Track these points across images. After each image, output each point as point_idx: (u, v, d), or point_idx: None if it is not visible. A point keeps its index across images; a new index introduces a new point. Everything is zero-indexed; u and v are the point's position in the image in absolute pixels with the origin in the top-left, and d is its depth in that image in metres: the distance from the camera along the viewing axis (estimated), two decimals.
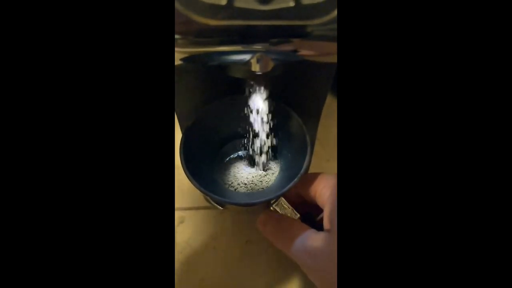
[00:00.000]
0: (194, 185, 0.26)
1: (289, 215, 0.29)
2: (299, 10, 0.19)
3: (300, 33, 0.20)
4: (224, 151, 0.35)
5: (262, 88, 0.26)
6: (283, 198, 0.29)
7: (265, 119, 0.28)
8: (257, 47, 0.20)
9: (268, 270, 0.34)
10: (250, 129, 0.30)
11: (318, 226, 0.26)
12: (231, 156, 0.35)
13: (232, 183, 0.33)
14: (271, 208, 0.30)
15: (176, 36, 0.19)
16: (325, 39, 0.20)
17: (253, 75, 0.23)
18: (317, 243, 0.24)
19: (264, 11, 0.18)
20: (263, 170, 0.34)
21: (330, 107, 0.31)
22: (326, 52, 0.21)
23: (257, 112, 0.28)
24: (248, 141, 0.31)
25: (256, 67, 0.21)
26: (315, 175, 0.28)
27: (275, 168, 0.34)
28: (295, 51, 0.21)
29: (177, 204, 0.37)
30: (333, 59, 0.20)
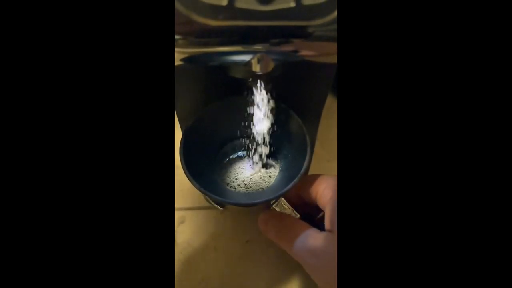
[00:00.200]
0: (194, 185, 0.26)
1: None
2: (300, 11, 0.19)
3: (301, 34, 0.20)
4: (224, 151, 0.35)
5: (263, 88, 0.26)
6: (283, 199, 0.29)
7: (265, 119, 0.28)
8: (258, 47, 0.20)
9: (268, 270, 0.34)
10: (250, 130, 0.30)
11: (318, 226, 0.26)
12: (231, 156, 0.35)
13: (232, 183, 0.33)
14: (271, 208, 0.30)
15: (177, 37, 0.19)
16: (326, 40, 0.20)
17: (253, 76, 0.23)
18: (320, 243, 0.24)
19: (265, 11, 0.18)
20: (263, 170, 0.34)
21: (331, 108, 0.31)
22: (326, 53, 0.21)
23: (257, 112, 0.28)
24: (248, 142, 0.31)
25: (256, 68, 0.22)
26: (316, 177, 0.28)
27: (275, 168, 0.34)
28: (296, 51, 0.21)
29: (177, 204, 0.37)
30: (333, 59, 0.20)
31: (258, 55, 0.21)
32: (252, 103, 0.27)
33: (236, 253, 0.35)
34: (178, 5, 0.18)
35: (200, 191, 0.26)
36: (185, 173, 0.27)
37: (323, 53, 0.21)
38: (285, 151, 0.33)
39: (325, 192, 0.26)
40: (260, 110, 0.27)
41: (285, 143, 0.33)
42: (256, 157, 0.32)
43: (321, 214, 0.29)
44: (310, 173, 0.35)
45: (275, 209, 0.30)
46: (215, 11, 0.18)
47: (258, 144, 0.31)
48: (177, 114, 0.30)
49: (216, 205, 0.36)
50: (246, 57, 0.21)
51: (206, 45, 0.20)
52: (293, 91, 0.29)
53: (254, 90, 0.26)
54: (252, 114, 0.28)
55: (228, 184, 0.33)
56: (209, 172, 0.33)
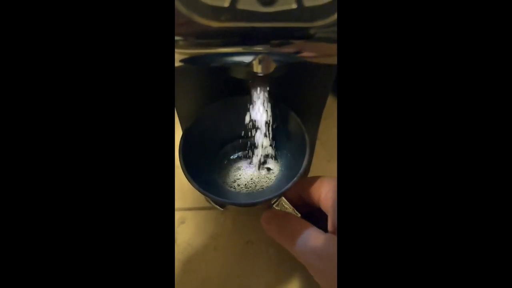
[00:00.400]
0: (194, 186, 0.26)
1: None
2: (301, 13, 0.19)
3: (302, 35, 0.20)
4: (224, 151, 0.35)
5: (263, 89, 0.26)
6: (283, 198, 0.29)
7: (265, 119, 0.28)
8: (259, 48, 0.20)
9: (268, 270, 0.34)
10: (250, 130, 0.30)
11: (320, 226, 0.26)
12: (231, 156, 0.35)
13: (232, 183, 0.33)
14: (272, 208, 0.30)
15: (177, 38, 0.19)
16: (326, 41, 0.20)
17: (254, 76, 0.23)
18: (323, 244, 0.24)
19: (266, 13, 0.18)
20: (263, 170, 0.34)
21: (332, 108, 0.31)
22: (326, 54, 0.21)
23: (258, 112, 0.28)
24: (248, 142, 0.31)
25: (258, 69, 0.22)
26: (318, 178, 0.28)
27: (275, 168, 0.34)
28: (297, 52, 0.21)
29: (177, 205, 0.37)
30: (334, 60, 0.21)
31: (260, 56, 0.21)
32: (252, 104, 0.27)
33: (236, 253, 0.35)
34: (178, 6, 0.18)
35: (199, 192, 0.27)
36: (184, 174, 0.27)
37: (324, 54, 0.22)
38: (285, 151, 0.33)
39: (329, 194, 0.26)
40: (261, 110, 0.27)
41: (285, 143, 0.33)
42: (256, 157, 0.32)
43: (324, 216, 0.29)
44: (311, 173, 0.36)
45: (276, 209, 0.30)
46: (217, 12, 0.18)
47: (258, 144, 0.31)
48: (177, 114, 0.30)
49: (217, 206, 0.36)
50: (247, 58, 0.21)
51: (207, 46, 0.20)
52: (294, 91, 0.29)
53: (255, 91, 0.26)
54: (253, 115, 0.28)
55: (228, 184, 0.33)
56: (209, 172, 0.33)
